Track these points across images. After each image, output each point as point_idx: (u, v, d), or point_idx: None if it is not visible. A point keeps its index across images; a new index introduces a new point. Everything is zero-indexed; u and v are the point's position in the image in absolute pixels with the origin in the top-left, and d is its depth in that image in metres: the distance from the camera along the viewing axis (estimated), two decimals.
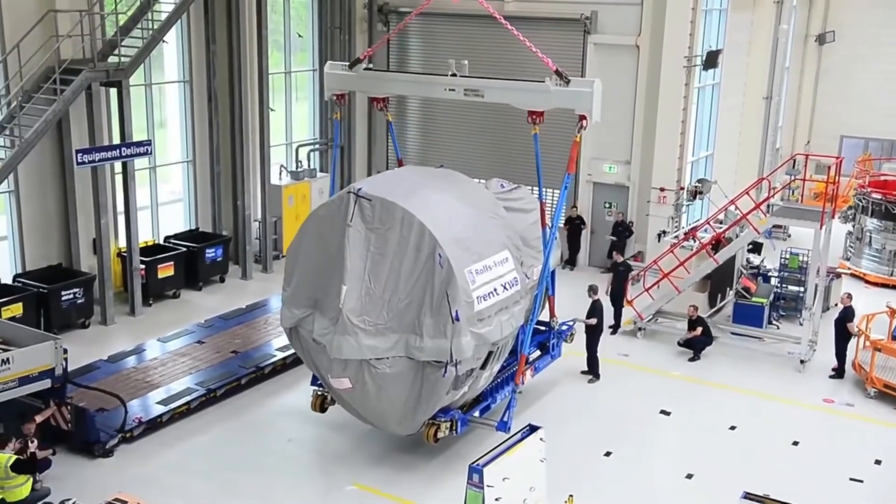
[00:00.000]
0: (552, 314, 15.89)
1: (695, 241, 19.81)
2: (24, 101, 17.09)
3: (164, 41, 19.24)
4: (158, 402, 14.73)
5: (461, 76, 14.32)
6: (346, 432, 14.58)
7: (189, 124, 21.50)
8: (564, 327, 16.42)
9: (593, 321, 16.78)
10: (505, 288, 13.12)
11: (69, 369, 13.60)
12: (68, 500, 10.51)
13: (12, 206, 18.11)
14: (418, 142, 26.11)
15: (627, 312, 19.23)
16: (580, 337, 16.95)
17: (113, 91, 18.39)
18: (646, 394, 16.49)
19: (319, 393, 14.13)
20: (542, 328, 15.84)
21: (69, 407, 13.46)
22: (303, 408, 15.01)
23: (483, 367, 13.22)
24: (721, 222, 20.15)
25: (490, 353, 13.17)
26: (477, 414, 13.96)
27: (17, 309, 16.74)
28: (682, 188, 22.74)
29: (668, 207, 22.44)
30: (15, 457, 11.35)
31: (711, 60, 22.70)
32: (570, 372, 17.21)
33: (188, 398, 14.92)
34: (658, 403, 16.03)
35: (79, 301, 18.07)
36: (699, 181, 23.39)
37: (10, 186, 17.80)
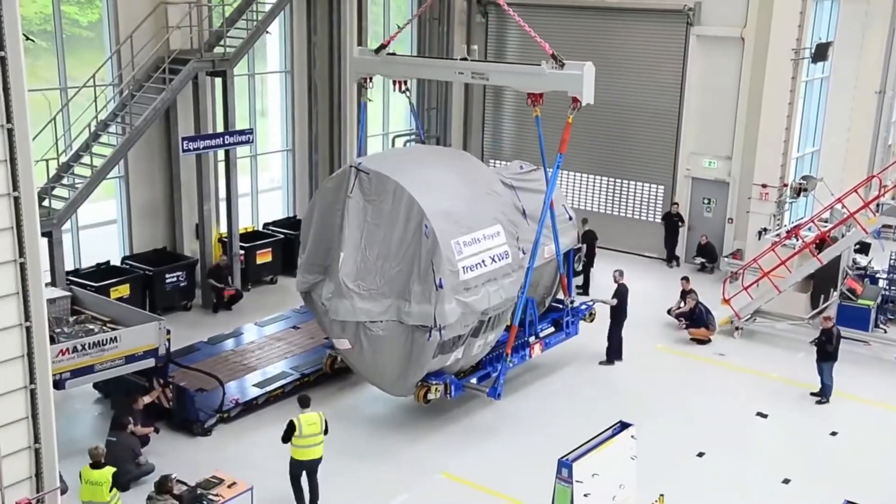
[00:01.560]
0: (565, 293, 16.39)
1: (797, 240, 19.18)
2: (134, 90, 17.76)
3: (267, 32, 19.69)
4: (255, 385, 15.13)
5: (471, 60, 15.37)
6: (436, 421, 14.71)
7: (289, 114, 21.96)
8: (583, 307, 17.02)
9: (614, 301, 17.09)
10: (494, 260, 13.86)
11: (171, 349, 14.10)
12: (169, 475, 10.89)
13: (122, 191, 18.86)
14: (514, 135, 26.01)
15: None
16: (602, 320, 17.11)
17: (218, 80, 18.93)
18: (742, 395, 16.09)
19: (330, 354, 15.10)
20: (559, 306, 16.55)
21: (171, 386, 13.96)
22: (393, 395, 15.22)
23: (475, 335, 13.95)
24: (826, 221, 19.46)
25: (482, 322, 13.88)
26: (474, 381, 14.69)
27: (124, 290, 17.45)
28: (786, 185, 22.05)
29: (770, 204, 21.79)
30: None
31: (821, 53, 21.88)
32: (663, 370, 16.96)
33: (283, 382, 15.28)
34: (755, 405, 15.61)
35: (181, 284, 18.69)
36: (804, 178, 22.63)
37: (121, 172, 18.54)
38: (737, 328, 18.64)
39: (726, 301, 18.74)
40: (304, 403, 12.28)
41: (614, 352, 17.27)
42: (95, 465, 10.93)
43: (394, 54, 16.31)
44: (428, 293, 13.02)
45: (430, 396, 13.91)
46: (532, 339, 15.63)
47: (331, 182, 14.13)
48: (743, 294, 18.78)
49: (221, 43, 18.85)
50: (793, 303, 18.77)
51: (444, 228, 13.25)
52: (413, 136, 24.95)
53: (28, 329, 9.23)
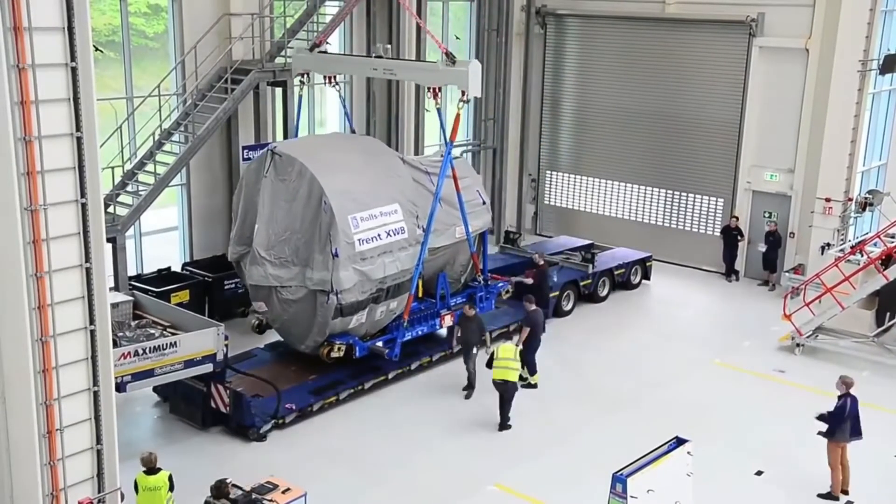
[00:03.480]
0: (477, 270, 17.81)
1: (863, 256, 18.74)
2: (197, 100, 18.12)
3: (327, 43, 19.91)
4: (310, 392, 15.29)
5: (386, 58, 17.28)
6: (488, 432, 14.70)
7: (347, 123, 22.14)
8: (500, 284, 18.41)
9: (530, 280, 18.50)
10: (389, 234, 15.55)
11: (229, 355, 14.31)
12: (225, 479, 11.03)
13: (183, 198, 19.23)
14: (571, 147, 25.91)
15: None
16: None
17: (278, 90, 19.22)
18: (803, 414, 15.68)
19: (257, 317, 16.32)
20: (474, 283, 17.99)
21: (228, 391, 14.16)
22: (447, 405, 15.24)
23: (376, 302, 15.58)
24: (893, 236, 18.96)
25: (381, 290, 15.54)
26: (380, 344, 16.00)
27: (184, 295, 17.74)
28: (851, 199, 21.57)
29: (834, 219, 21.34)
30: (520, 348, 14.72)
31: (889, 65, 21.37)
32: (721, 386, 16.70)
33: (338, 390, 15.41)
34: (816, 424, 15.20)
35: (239, 291, 18.88)
36: (870, 192, 22.09)
37: (183, 180, 18.90)
38: (798, 345, 18.27)
39: (787, 317, 18.38)
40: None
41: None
42: (150, 471, 11.08)
43: (325, 52, 18.18)
44: (327, 261, 14.72)
45: (334, 354, 15.35)
46: (444, 311, 17.06)
47: (254, 164, 15.88)
48: (804, 310, 18.41)
49: (282, 54, 19.13)
50: (857, 320, 18.31)
51: (341, 204, 14.90)
52: (470, 147, 25.03)
53: (92, 332, 9.46)
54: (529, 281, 18.56)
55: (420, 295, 16.66)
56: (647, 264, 22.34)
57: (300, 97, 18.59)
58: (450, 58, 15.58)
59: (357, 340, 15.73)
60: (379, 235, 15.44)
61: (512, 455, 14.08)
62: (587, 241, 23.12)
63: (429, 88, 16.21)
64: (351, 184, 15.42)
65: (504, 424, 14.78)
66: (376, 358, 16.22)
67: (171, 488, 11.16)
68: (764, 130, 22.46)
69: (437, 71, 15.85)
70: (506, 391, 14.73)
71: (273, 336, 17.64)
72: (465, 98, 15.67)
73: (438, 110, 16.50)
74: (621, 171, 24.95)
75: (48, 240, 8.93)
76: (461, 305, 17.59)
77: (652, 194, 24.50)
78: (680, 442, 11.14)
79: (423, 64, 17.71)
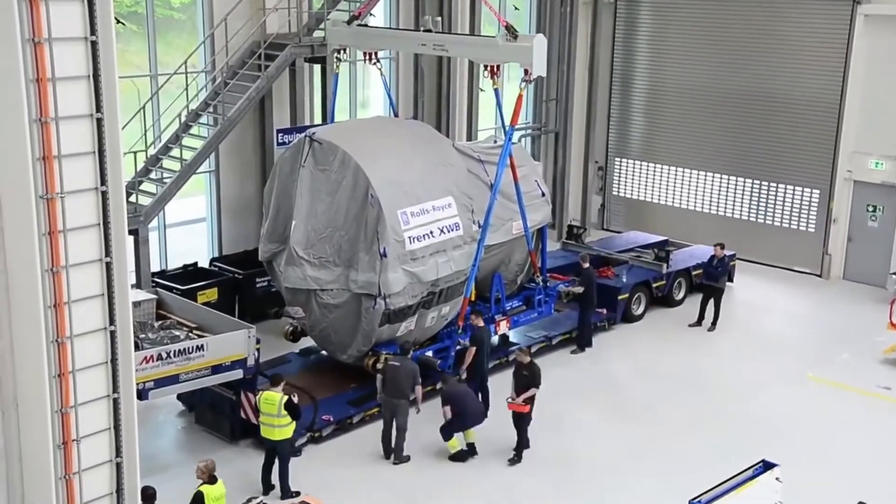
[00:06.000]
0: (535, 271, 17.86)
1: None
2: (228, 78, 18.28)
3: (371, 15, 19.97)
4: (349, 403, 15.37)
5: (435, 32, 16.93)
6: (545, 450, 14.64)
7: (393, 104, 22.17)
8: (562, 287, 18.21)
9: (580, 289, 18.01)
10: (443, 231, 15.41)
11: (261, 360, 14.45)
12: (254, 498, 11.16)
13: (212, 186, 19.44)
14: (643, 132, 25.70)
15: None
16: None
17: (317, 67, 19.33)
18: None
19: (290, 323, 16.04)
20: (531, 284, 17.97)
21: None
22: (503, 419, 15.22)
23: (427, 307, 15.42)
24: None
25: (433, 294, 15.38)
26: (430, 354, 15.98)
27: (212, 294, 17.95)
28: None
29: None
30: (287, 397, 13.00)
31: None
32: (815, 403, 16.44)
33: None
34: None
35: (272, 290, 19.01)
36: None
37: (211, 166, 19.12)
38: None
39: (894, 325, 18.03)
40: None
41: (585, 340, 18.34)
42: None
43: (365, 26, 18.12)
44: (373, 262, 14.57)
45: (380, 366, 14.94)
46: (499, 315, 16.95)
47: (289, 152, 15.72)
48: None
49: (321, 27, 19.21)
50: None
51: (390, 197, 14.74)
52: (530, 130, 24.95)
53: (112, 334, 9.56)
54: (580, 289, 18.11)
55: (472, 298, 16.57)
56: (730, 264, 22.06)
57: (336, 75, 18.61)
58: (511, 32, 15.48)
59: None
60: (431, 233, 15.34)
61: (575, 478, 14.01)
62: (661, 238, 22.92)
63: (486, 66, 16.02)
64: (400, 174, 15.29)
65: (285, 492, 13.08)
66: (424, 367, 16.21)
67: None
68: (868, 112, 22.03)
69: (497, 47, 15.68)
70: (274, 449, 13.22)
71: (310, 339, 17.80)
72: (528, 77, 15.48)
73: (496, 91, 16.22)
74: (700, 159, 24.68)
75: (65, 231, 9.04)
76: (520, 310, 17.48)
77: (736, 184, 24.20)
78: (767, 466, 11.02)
79: (480, 39, 17.68)
